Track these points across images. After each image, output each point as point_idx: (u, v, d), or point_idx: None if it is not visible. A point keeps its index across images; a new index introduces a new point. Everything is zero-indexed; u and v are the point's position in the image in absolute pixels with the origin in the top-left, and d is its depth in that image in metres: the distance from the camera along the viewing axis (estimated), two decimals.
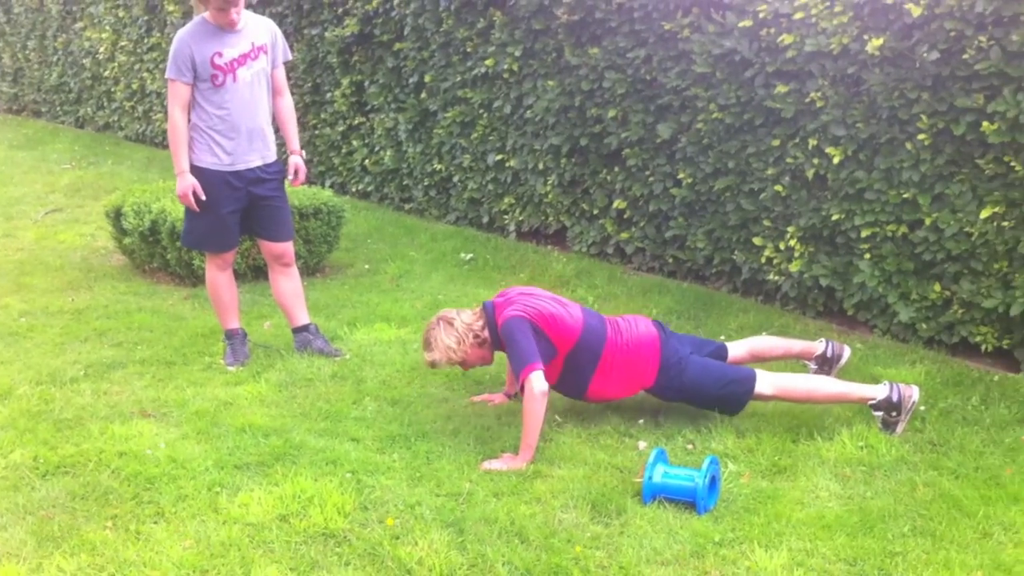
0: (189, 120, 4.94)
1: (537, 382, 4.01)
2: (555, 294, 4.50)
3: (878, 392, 4.25)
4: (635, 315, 4.57)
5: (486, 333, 4.29)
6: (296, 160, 5.22)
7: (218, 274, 5.18)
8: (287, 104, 5.23)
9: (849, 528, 3.54)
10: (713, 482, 3.72)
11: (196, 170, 4.94)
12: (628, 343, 4.33)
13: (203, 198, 4.92)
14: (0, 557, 3.37)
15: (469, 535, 3.49)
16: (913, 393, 4.25)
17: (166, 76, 4.92)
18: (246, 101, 4.94)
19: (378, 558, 3.36)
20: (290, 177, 5.23)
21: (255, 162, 5.03)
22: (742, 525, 3.57)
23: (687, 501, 3.68)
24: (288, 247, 5.22)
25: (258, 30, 4.97)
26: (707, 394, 4.32)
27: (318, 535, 3.50)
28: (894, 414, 4.21)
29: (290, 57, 5.21)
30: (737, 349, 4.63)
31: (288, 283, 5.27)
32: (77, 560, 3.35)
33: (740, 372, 4.35)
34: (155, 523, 3.60)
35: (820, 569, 3.31)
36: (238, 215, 5.08)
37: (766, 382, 4.30)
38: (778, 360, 4.79)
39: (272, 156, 5.11)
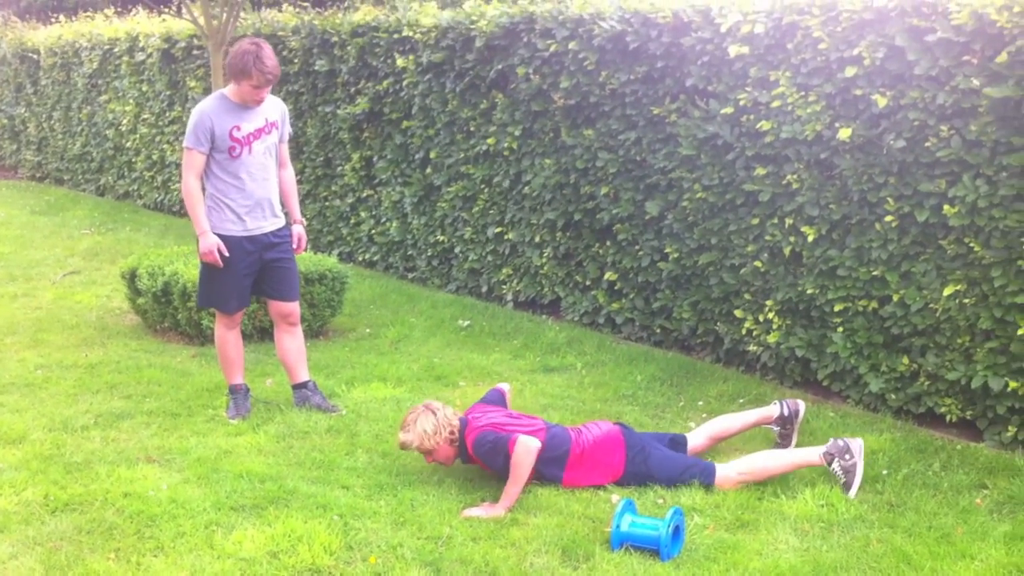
0: (204, 189, 5.30)
1: (528, 440, 4.33)
2: (521, 413, 4.88)
3: (824, 447, 4.58)
4: (596, 421, 4.87)
5: (456, 436, 4.57)
6: (299, 229, 5.58)
7: (226, 332, 5.49)
8: (290, 176, 5.62)
9: None
10: (677, 532, 3.97)
11: None
12: (593, 440, 4.62)
13: (227, 254, 5.25)
14: None
15: (445, 574, 3.75)
16: (859, 441, 4.58)
17: (184, 145, 5.27)
18: (259, 172, 5.32)
19: None
20: (293, 244, 5.55)
21: (267, 227, 5.38)
22: (702, 572, 3.82)
23: (652, 549, 3.93)
24: (295, 307, 5.55)
25: (270, 107, 5.36)
26: (671, 480, 4.57)
27: (305, 570, 3.77)
28: (848, 457, 4.51)
29: (290, 135, 5.61)
30: (696, 438, 4.89)
31: (292, 342, 5.58)
32: None
33: (699, 463, 4.63)
34: (155, 556, 3.87)
35: None
36: (251, 278, 5.41)
37: (726, 470, 4.58)
38: (739, 434, 5.04)
39: (281, 222, 5.47)
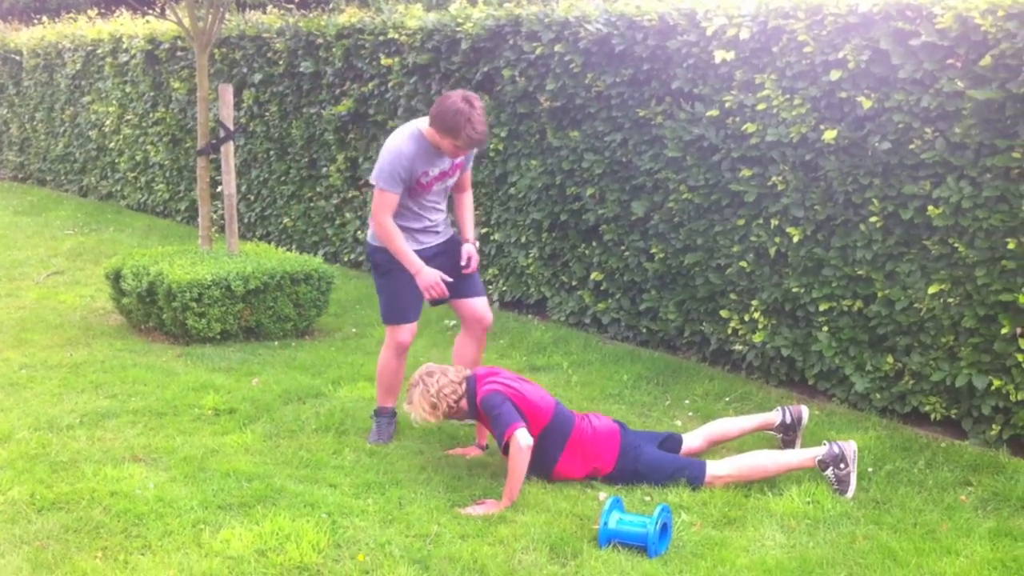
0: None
1: (522, 438, 4.34)
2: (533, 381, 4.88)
3: (820, 451, 4.56)
4: (597, 413, 4.92)
5: (463, 403, 4.59)
6: (469, 248, 5.19)
7: (395, 359, 5.25)
8: (468, 199, 5.34)
9: (788, 573, 3.81)
10: (664, 529, 3.99)
11: (380, 249, 5.12)
12: (594, 428, 4.67)
13: (449, 279, 5.01)
14: None
15: (434, 571, 3.77)
16: (852, 445, 4.57)
17: (377, 184, 4.96)
18: (431, 206, 5.14)
19: None
20: (463, 262, 5.18)
21: (433, 243, 5.20)
22: (689, 568, 3.84)
23: (639, 546, 3.95)
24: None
25: None
26: (662, 479, 4.60)
27: (293, 568, 3.77)
28: (843, 466, 4.50)
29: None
30: (693, 440, 4.89)
31: (471, 346, 5.38)
32: None
33: (691, 462, 4.65)
34: (142, 554, 3.86)
35: None
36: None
37: (717, 467, 4.59)
38: (737, 439, 5.04)
39: (443, 237, 5.25)
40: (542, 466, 4.62)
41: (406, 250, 5.00)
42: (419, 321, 7.30)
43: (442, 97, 4.82)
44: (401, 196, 5.00)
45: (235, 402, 5.57)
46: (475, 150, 5.09)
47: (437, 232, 5.23)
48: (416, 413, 4.58)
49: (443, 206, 5.27)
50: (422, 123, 4.97)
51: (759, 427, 5.01)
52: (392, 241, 5.01)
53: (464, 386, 4.61)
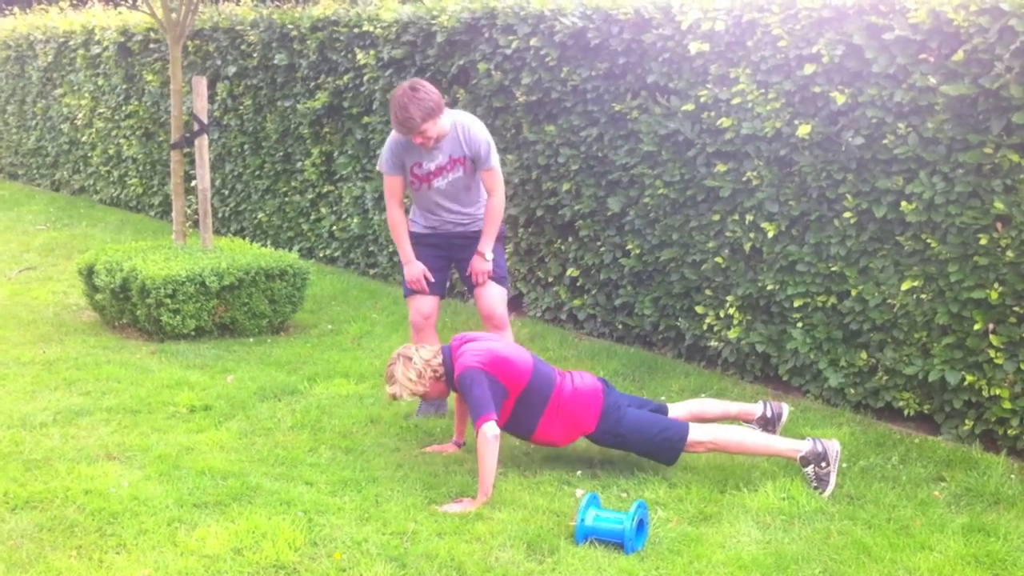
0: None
1: (490, 429, 4.33)
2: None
3: (803, 445, 4.56)
4: (581, 372, 4.90)
5: (443, 370, 4.63)
6: (476, 261, 5.31)
7: (411, 331, 5.53)
8: (491, 205, 5.27)
9: (764, 568, 3.83)
10: (641, 525, 4.00)
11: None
12: (575, 389, 4.68)
13: (432, 280, 5.31)
14: None
15: (411, 569, 3.76)
16: (836, 444, 4.58)
17: (379, 169, 5.33)
18: (441, 201, 5.26)
19: None
20: (469, 273, 5.37)
21: (454, 229, 5.37)
22: (665, 564, 3.85)
23: (616, 542, 3.96)
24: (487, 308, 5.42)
25: (456, 144, 5.13)
26: (644, 440, 4.61)
27: (269, 566, 3.75)
28: (824, 464, 4.51)
29: (492, 165, 5.19)
30: (677, 411, 4.91)
31: None
32: None
33: (674, 422, 4.66)
34: (117, 553, 3.83)
35: None
36: (437, 271, 5.39)
37: (699, 431, 4.61)
38: (717, 420, 5.06)
39: (474, 225, 5.37)
40: (523, 427, 4.65)
41: (400, 240, 5.34)
42: (394, 318, 7.36)
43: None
44: (417, 195, 5.24)
45: (210, 399, 5.54)
46: (480, 149, 5.13)
47: (449, 219, 5.34)
48: (400, 387, 4.59)
49: (459, 202, 5.31)
50: None
51: (739, 415, 5.03)
52: (393, 230, 5.36)
53: (440, 356, 4.64)
